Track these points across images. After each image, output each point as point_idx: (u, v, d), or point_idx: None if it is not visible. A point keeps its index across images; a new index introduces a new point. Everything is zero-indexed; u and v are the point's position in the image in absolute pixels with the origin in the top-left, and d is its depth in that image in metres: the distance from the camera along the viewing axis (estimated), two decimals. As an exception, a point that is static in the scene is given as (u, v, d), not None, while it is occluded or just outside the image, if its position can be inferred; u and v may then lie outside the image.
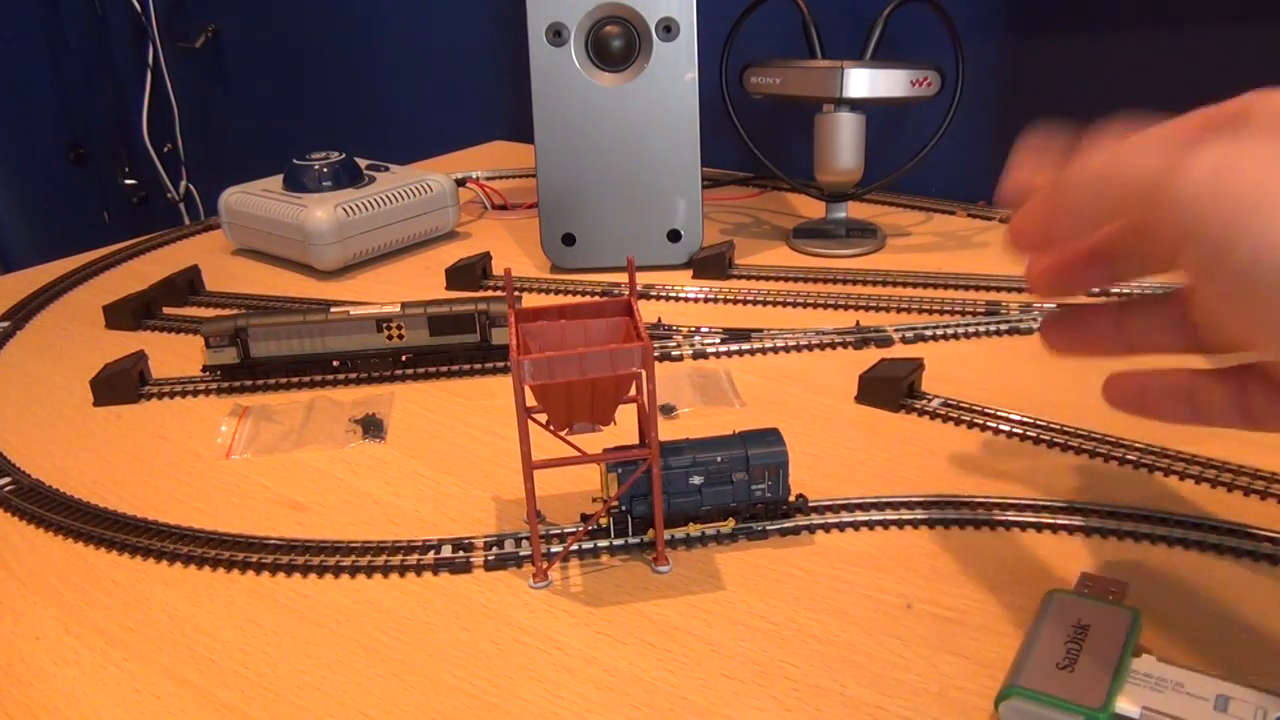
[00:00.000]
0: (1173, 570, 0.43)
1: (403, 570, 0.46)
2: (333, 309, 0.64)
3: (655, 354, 0.66)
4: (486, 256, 0.81)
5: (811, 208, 0.96)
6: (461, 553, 0.47)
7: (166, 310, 0.78)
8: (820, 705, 0.37)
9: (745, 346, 0.66)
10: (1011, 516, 0.47)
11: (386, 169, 0.91)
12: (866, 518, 0.48)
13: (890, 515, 0.48)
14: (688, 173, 0.78)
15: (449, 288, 0.80)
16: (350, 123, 1.48)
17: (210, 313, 0.77)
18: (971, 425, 0.56)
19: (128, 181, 1.80)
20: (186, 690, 0.40)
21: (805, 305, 0.73)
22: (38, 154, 1.75)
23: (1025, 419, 0.56)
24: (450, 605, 0.44)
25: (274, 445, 0.57)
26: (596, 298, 0.68)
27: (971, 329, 0.67)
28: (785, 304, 0.73)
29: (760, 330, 0.68)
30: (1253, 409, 0.36)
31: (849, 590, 0.44)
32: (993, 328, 0.67)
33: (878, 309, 0.71)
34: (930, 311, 0.71)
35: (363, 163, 0.90)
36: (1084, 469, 0.51)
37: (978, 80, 0.91)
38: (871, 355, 0.64)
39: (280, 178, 0.87)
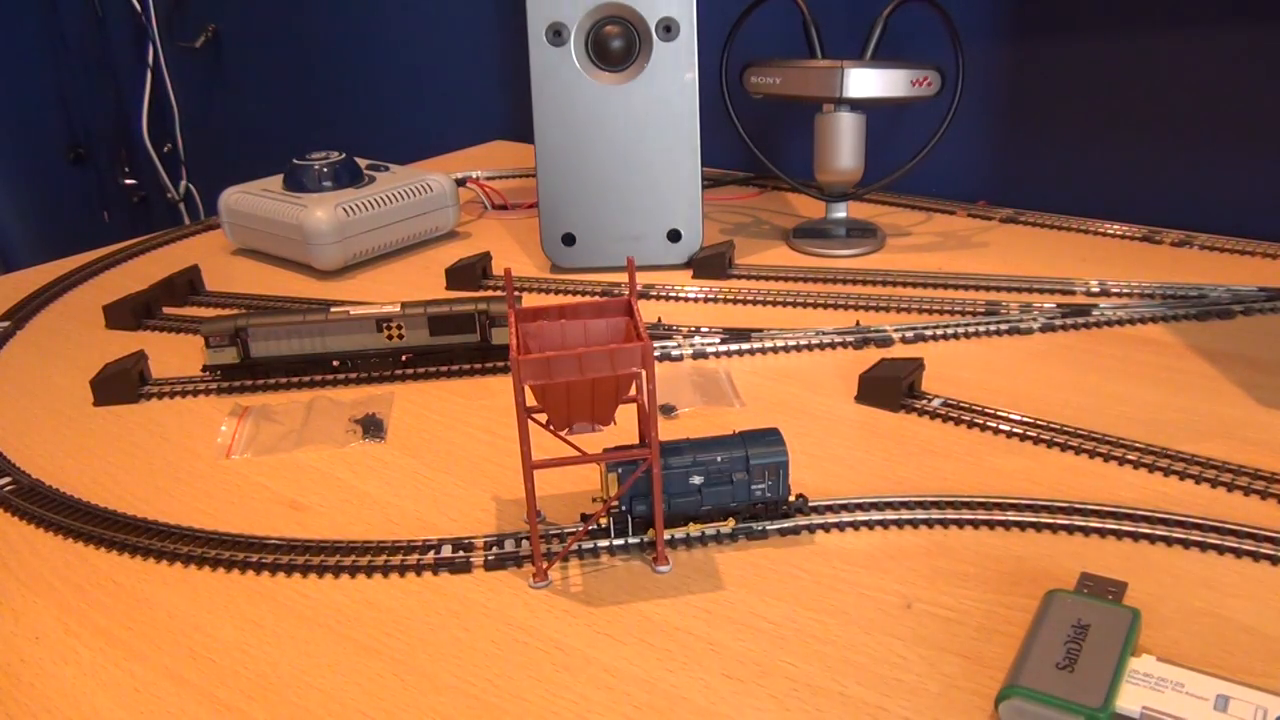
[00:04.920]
0: (1173, 570, 0.44)
1: (403, 570, 0.46)
2: (333, 309, 0.64)
3: (655, 354, 0.66)
4: (486, 256, 0.81)
5: (811, 208, 0.96)
6: (461, 553, 0.47)
7: (166, 310, 0.78)
8: (820, 705, 0.37)
9: (745, 346, 0.66)
10: (1011, 516, 0.47)
11: (386, 169, 0.91)
12: (866, 518, 0.48)
13: (890, 515, 0.48)
14: (688, 173, 0.78)
15: (449, 288, 0.80)
16: (350, 123, 1.48)
17: (210, 313, 0.77)
18: (971, 425, 0.56)
19: (128, 181, 1.80)
20: (186, 690, 0.40)
21: (805, 305, 0.73)
22: (38, 154, 1.75)
23: (1025, 419, 0.56)
24: (450, 605, 0.44)
25: (274, 445, 0.57)
26: (596, 298, 0.68)
27: (971, 329, 0.67)
28: (785, 304, 0.73)
29: (760, 330, 0.68)
30: None
31: (849, 590, 0.44)
32: (993, 328, 0.67)
33: (878, 309, 0.71)
34: (930, 311, 0.71)
35: (363, 163, 0.90)
36: (1084, 469, 0.51)
37: (978, 80, 0.91)
38: (871, 355, 0.64)
39: (280, 178, 0.87)
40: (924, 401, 0.58)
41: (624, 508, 0.46)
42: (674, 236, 0.80)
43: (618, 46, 0.76)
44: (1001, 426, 0.55)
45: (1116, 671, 0.35)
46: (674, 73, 0.76)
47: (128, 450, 0.58)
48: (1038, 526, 0.47)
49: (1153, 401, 0.57)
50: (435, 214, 0.89)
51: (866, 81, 0.78)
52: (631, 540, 0.47)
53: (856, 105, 0.81)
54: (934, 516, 0.48)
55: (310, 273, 0.84)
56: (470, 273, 0.80)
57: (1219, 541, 0.45)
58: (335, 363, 0.65)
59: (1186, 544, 0.45)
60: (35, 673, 0.41)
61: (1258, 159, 0.82)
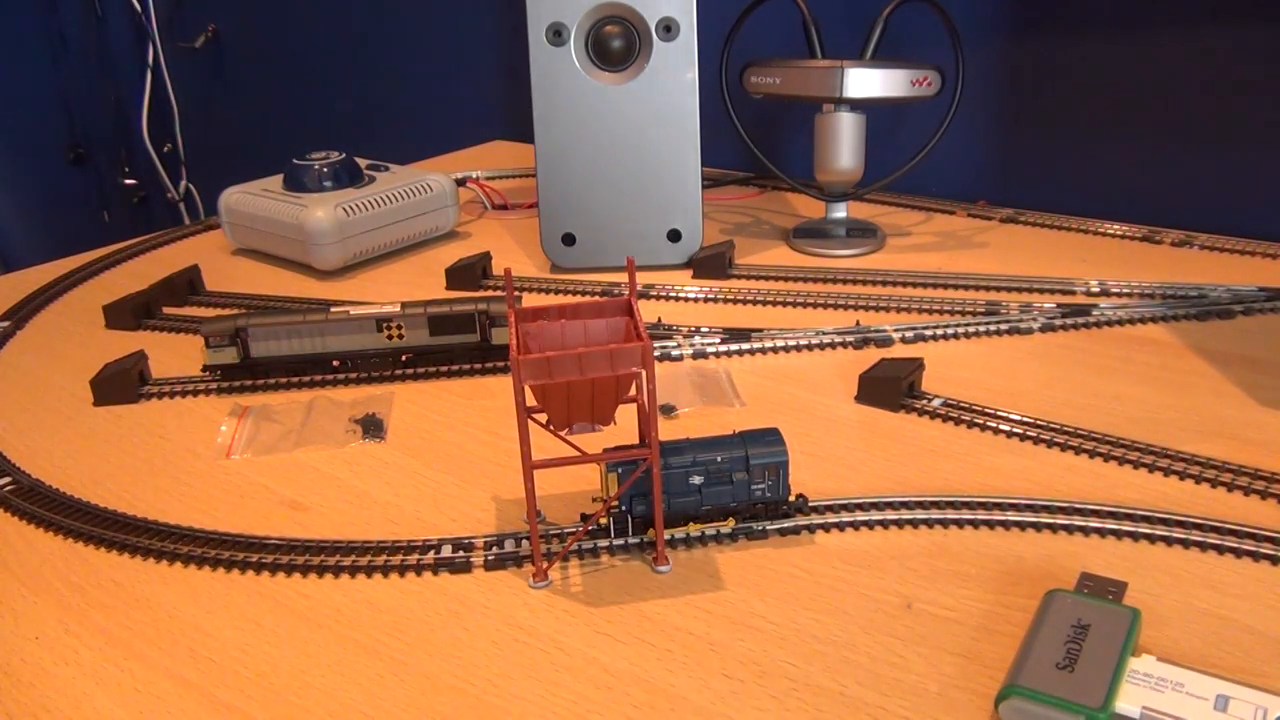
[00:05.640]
0: (1173, 570, 0.43)
1: (403, 570, 0.46)
2: (333, 309, 0.64)
3: (655, 354, 0.66)
4: (486, 256, 0.81)
5: (811, 208, 0.96)
6: (461, 553, 0.47)
7: (166, 310, 0.78)
8: (820, 705, 0.37)
9: (745, 346, 0.66)
10: (1011, 516, 0.47)
11: (386, 169, 0.91)
12: (866, 518, 0.48)
13: (890, 515, 0.48)
14: (688, 172, 0.78)
15: (449, 288, 0.80)
16: (350, 123, 1.48)
17: (210, 313, 0.77)
18: (971, 425, 0.56)
19: (128, 181, 1.80)
20: (186, 690, 0.40)
21: (805, 305, 0.73)
22: (38, 154, 1.75)
23: (1025, 419, 0.56)
24: (450, 605, 0.44)
25: (274, 445, 0.57)
26: (596, 298, 0.68)
27: (971, 329, 0.67)
28: (785, 304, 0.73)
29: (760, 330, 0.68)
30: None
31: (849, 590, 0.44)
32: (993, 328, 0.67)
33: (878, 309, 0.71)
34: (930, 311, 0.71)
35: (363, 163, 0.90)
36: (1084, 469, 0.51)
37: (978, 80, 0.91)
38: (871, 355, 0.64)
39: (280, 178, 0.87)
40: (924, 401, 0.58)
41: (624, 508, 0.46)
42: (674, 236, 0.80)
43: (618, 46, 0.76)
44: (1001, 426, 0.55)
45: (1116, 671, 0.35)
46: (674, 73, 0.76)
47: (128, 450, 0.58)
48: (1038, 526, 0.47)
49: (1153, 401, 0.57)
50: (435, 214, 0.89)
51: (866, 81, 0.78)
52: (631, 540, 0.47)
53: (856, 105, 0.81)
54: (934, 516, 0.48)
55: (310, 273, 0.84)
56: (470, 273, 0.80)
57: (1219, 541, 0.45)
58: (335, 363, 0.65)
59: (1186, 544, 0.45)
60: (35, 673, 0.41)
61: (1257, 159, 0.82)
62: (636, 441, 0.47)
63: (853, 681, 0.39)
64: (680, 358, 0.66)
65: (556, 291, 0.78)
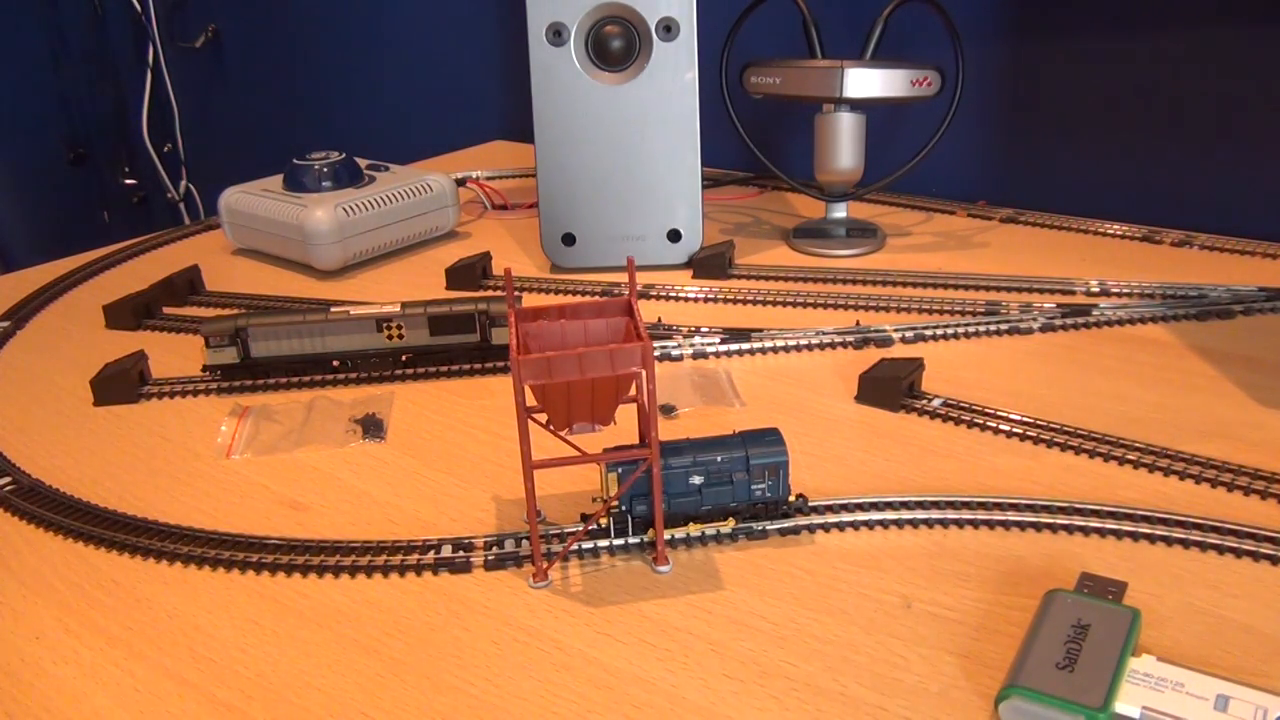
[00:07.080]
0: (1173, 570, 0.43)
1: (403, 570, 0.46)
2: (333, 309, 0.64)
3: (655, 354, 0.66)
4: (486, 256, 0.81)
5: (811, 208, 0.96)
6: (461, 553, 0.47)
7: (166, 310, 0.78)
8: (820, 705, 0.37)
9: (745, 346, 0.66)
10: (1011, 516, 0.47)
11: (386, 169, 0.91)
12: (866, 518, 0.48)
13: (890, 515, 0.48)
14: (688, 172, 0.78)
15: (449, 288, 0.80)
16: (350, 123, 1.48)
17: (210, 313, 0.77)
18: (971, 425, 0.56)
19: (128, 181, 1.80)
20: (186, 690, 0.40)
21: (805, 305, 0.73)
22: (38, 154, 1.75)
23: (1025, 419, 0.56)
24: (450, 605, 0.44)
25: (274, 445, 0.57)
26: (596, 298, 0.68)
27: (971, 329, 0.67)
28: (785, 304, 0.73)
29: (760, 330, 0.68)
30: None
31: (849, 590, 0.44)
32: (993, 328, 0.67)
33: (878, 309, 0.71)
34: (930, 311, 0.71)
35: (363, 163, 0.90)
36: (1084, 469, 0.51)
37: (978, 80, 0.91)
38: (871, 355, 0.64)
39: (280, 178, 0.87)
40: (924, 401, 0.58)
41: (624, 508, 0.46)
42: (674, 236, 0.80)
43: (618, 46, 0.76)
44: (1001, 426, 0.55)
45: (1116, 671, 0.35)
46: (674, 73, 0.76)
47: (128, 450, 0.58)
48: (1038, 526, 0.47)
49: (1153, 401, 0.57)
50: (435, 214, 0.89)
51: (866, 81, 0.78)
52: (631, 540, 0.47)
53: (856, 105, 0.81)
54: (934, 516, 0.48)
55: (310, 273, 0.84)
56: (470, 273, 0.80)
57: (1219, 541, 0.45)
58: (335, 363, 0.65)
59: (1186, 544, 0.45)
60: (35, 673, 0.41)
61: (1257, 159, 0.82)
62: (636, 441, 0.47)
63: (853, 681, 0.39)
64: (680, 358, 0.66)
65: (556, 291, 0.78)
